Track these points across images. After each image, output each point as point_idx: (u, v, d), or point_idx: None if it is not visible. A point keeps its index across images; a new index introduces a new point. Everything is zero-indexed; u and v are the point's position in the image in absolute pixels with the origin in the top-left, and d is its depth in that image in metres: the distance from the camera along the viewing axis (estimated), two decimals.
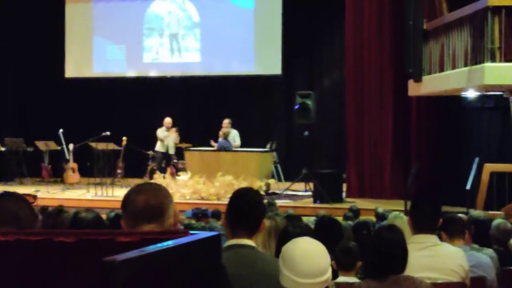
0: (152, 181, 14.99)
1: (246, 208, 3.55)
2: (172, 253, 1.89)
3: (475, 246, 5.57)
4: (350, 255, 4.78)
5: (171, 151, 16.90)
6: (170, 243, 1.91)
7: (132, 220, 2.71)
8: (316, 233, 4.75)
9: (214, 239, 2.13)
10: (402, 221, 6.39)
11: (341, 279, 4.61)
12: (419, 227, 4.51)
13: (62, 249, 1.97)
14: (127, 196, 2.77)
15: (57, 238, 1.98)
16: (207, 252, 2.10)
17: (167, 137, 16.65)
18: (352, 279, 4.63)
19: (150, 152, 17.29)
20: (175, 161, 17.09)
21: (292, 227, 4.42)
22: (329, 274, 3.01)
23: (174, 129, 16.67)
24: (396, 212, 7.58)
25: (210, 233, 2.13)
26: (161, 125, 16.81)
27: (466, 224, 5.72)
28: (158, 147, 16.82)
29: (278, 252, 3.68)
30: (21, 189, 15.75)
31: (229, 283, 2.87)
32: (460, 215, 6.13)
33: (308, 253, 3.00)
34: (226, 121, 16.41)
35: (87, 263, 1.91)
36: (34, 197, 11.61)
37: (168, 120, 16.82)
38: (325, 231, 5.56)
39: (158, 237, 1.99)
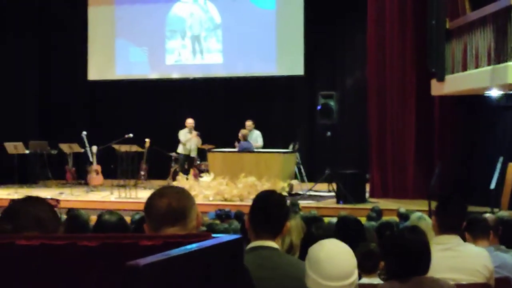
0: (175, 182, 15.07)
1: (270, 210, 3.54)
2: (195, 257, 1.89)
3: (502, 247, 5.53)
4: (372, 258, 4.75)
5: (193, 154, 16.92)
6: (193, 246, 1.92)
7: (155, 223, 2.73)
8: (338, 233, 4.74)
9: (236, 242, 2.13)
10: (426, 223, 6.34)
11: (364, 280, 4.60)
12: (443, 228, 4.49)
13: (86, 253, 1.99)
14: (149, 200, 2.79)
15: (81, 242, 2.00)
16: (230, 255, 2.10)
17: (188, 140, 16.67)
18: (376, 281, 4.61)
19: (173, 154, 17.32)
20: (198, 162, 17.12)
21: (316, 228, 4.42)
22: (355, 277, 2.99)
23: (195, 133, 16.66)
24: (419, 213, 7.52)
25: (233, 236, 2.14)
26: (183, 126, 16.82)
27: (493, 225, 5.66)
28: (181, 149, 16.84)
29: (302, 254, 3.68)
30: (45, 192, 15.89)
31: (253, 285, 2.88)
32: (487, 215, 6.09)
33: (334, 255, 2.99)
34: (249, 123, 16.45)
35: (111, 267, 1.92)
36: (57, 201, 11.66)
37: (190, 121, 16.82)
38: (347, 231, 5.55)
39: (181, 240, 2.00)
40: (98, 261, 1.99)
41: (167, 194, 2.77)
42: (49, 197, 13.00)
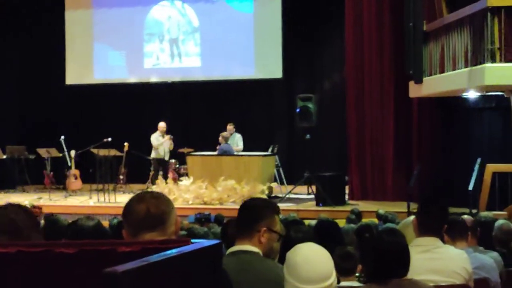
0: (155, 186, 15.02)
1: (246, 214, 3.56)
2: (174, 262, 1.88)
3: (481, 248, 5.56)
4: (350, 260, 4.75)
5: (166, 157, 16.78)
6: (171, 252, 1.91)
7: (134, 229, 2.71)
8: (316, 236, 4.74)
9: (216, 247, 2.12)
10: None
11: (343, 284, 4.60)
12: (424, 229, 4.50)
13: (63, 260, 1.97)
14: (128, 205, 2.77)
15: (58, 249, 1.98)
16: (209, 260, 2.10)
17: (161, 144, 16.52)
18: (354, 284, 4.62)
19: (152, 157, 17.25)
20: (177, 166, 17.06)
21: (294, 232, 4.43)
22: (332, 280, 3.00)
23: (168, 136, 16.52)
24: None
25: (212, 242, 2.13)
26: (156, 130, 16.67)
27: (472, 226, 5.69)
28: (153, 154, 16.66)
29: (281, 258, 3.68)
30: (23, 197, 15.81)
31: None
32: (465, 216, 6.11)
33: (310, 259, 3.00)
34: (230, 126, 16.44)
35: (88, 274, 1.91)
36: (40, 208, 11.66)
37: (162, 125, 16.62)
38: (325, 234, 5.55)
39: (159, 246, 1.99)
40: (76, 268, 1.98)
41: (146, 200, 2.76)
42: (26, 202, 12.94)
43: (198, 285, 1.99)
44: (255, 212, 3.57)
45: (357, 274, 4.83)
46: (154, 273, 1.78)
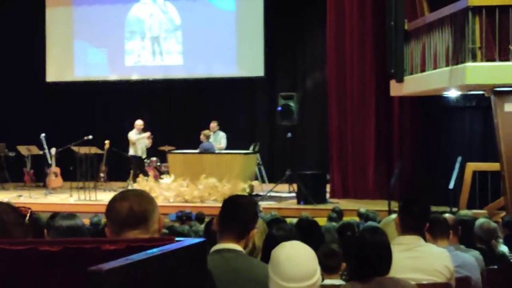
0: (135, 184, 14.97)
1: (234, 212, 3.54)
2: (158, 261, 1.88)
3: (462, 247, 5.58)
4: (334, 257, 4.76)
5: (144, 155, 16.65)
6: (156, 250, 1.90)
7: (117, 227, 2.70)
8: (299, 235, 4.74)
9: (200, 245, 2.12)
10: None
11: (327, 282, 4.60)
12: (406, 228, 4.51)
13: (47, 258, 1.96)
14: (111, 203, 2.76)
15: (42, 247, 1.97)
16: (193, 258, 2.09)
17: (139, 139, 16.36)
18: (338, 282, 4.62)
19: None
20: (158, 164, 17.01)
21: (276, 230, 4.43)
22: (316, 278, 2.99)
23: (148, 133, 16.40)
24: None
25: (196, 240, 2.12)
26: (139, 128, 16.55)
27: (453, 224, 5.72)
28: (132, 151, 16.49)
29: (264, 256, 3.68)
30: (3, 195, 15.70)
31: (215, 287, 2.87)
32: (447, 215, 6.14)
33: (293, 257, 2.99)
34: (213, 124, 16.37)
35: (73, 272, 1.89)
36: (29, 209, 11.52)
37: (140, 123, 16.43)
38: (305, 233, 5.56)
39: (144, 244, 1.98)
40: (60, 266, 1.97)
41: (128, 198, 2.75)
42: (6, 199, 12.86)
43: (183, 283, 1.99)
44: (247, 214, 3.55)
45: (340, 273, 4.84)
46: (139, 272, 1.77)
